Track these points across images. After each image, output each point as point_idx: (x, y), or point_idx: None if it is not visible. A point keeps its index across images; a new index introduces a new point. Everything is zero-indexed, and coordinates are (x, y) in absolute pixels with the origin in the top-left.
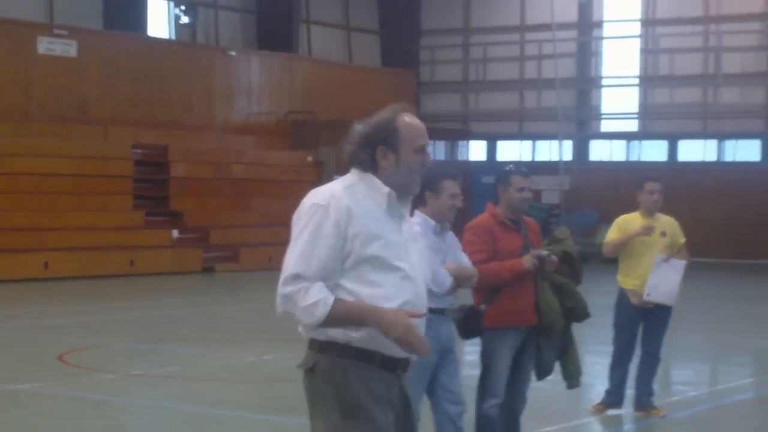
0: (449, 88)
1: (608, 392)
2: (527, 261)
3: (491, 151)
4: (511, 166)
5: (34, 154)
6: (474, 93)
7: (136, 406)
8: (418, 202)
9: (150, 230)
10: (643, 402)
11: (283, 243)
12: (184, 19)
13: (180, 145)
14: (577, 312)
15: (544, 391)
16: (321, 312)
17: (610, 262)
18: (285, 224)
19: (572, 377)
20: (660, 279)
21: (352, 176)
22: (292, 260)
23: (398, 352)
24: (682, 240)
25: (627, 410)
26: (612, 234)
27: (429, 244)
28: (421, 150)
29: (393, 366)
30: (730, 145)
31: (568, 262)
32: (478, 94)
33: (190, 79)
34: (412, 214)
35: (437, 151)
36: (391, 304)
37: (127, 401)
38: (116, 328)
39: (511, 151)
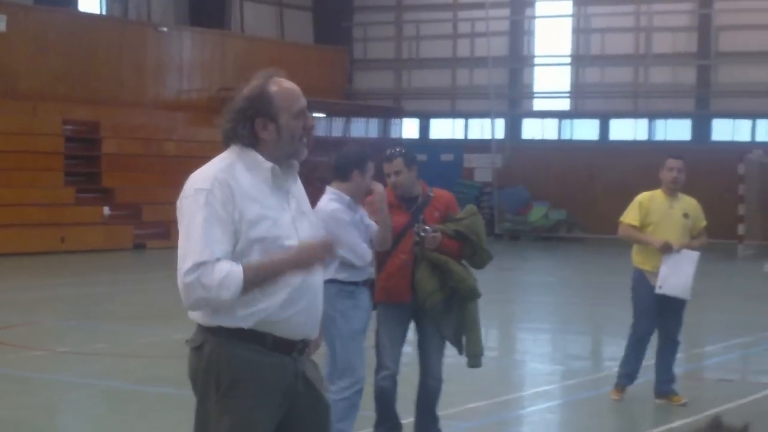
0: (382, 65)
1: (626, 375)
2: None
3: (424, 129)
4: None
5: None
6: (407, 71)
7: (62, 382)
8: (338, 178)
9: (81, 207)
10: (665, 389)
11: None
12: None
13: (111, 122)
14: (461, 292)
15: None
16: (235, 283)
17: (541, 240)
18: None
19: (472, 357)
20: (672, 270)
21: (230, 154)
22: (193, 250)
23: (293, 335)
24: (703, 223)
25: (569, 382)
26: (632, 214)
27: (350, 220)
28: (301, 113)
29: (287, 349)
30: (660, 124)
31: (466, 241)
32: (410, 71)
33: (121, 55)
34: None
35: (370, 129)
36: (284, 287)
37: (53, 378)
38: (45, 305)
39: (443, 129)
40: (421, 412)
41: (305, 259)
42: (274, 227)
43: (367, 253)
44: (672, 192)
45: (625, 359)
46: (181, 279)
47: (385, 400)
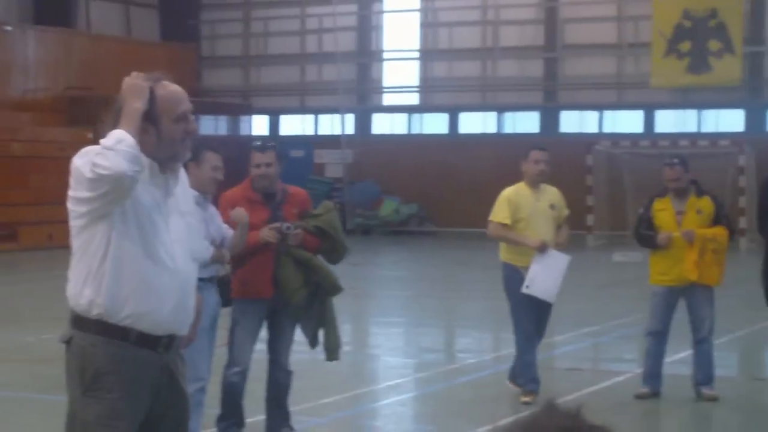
0: (230, 62)
1: (531, 380)
2: (263, 233)
3: (273, 125)
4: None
5: None
6: (255, 67)
7: None
8: None
9: None
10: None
11: (62, 221)
12: None
13: None
14: (325, 287)
15: (326, 362)
16: (127, 139)
17: (392, 234)
18: (64, 202)
19: (330, 351)
20: (540, 271)
21: None
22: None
23: (158, 330)
24: (566, 212)
25: (420, 374)
26: (502, 212)
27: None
28: (183, 118)
29: (152, 344)
30: (509, 117)
31: (325, 237)
32: (259, 68)
33: None
34: None
35: (219, 126)
36: (147, 284)
37: None
38: None
39: (293, 125)
40: (271, 407)
41: (134, 101)
42: (145, 213)
43: (206, 253)
44: (536, 184)
45: (524, 365)
46: (87, 166)
47: (233, 396)
